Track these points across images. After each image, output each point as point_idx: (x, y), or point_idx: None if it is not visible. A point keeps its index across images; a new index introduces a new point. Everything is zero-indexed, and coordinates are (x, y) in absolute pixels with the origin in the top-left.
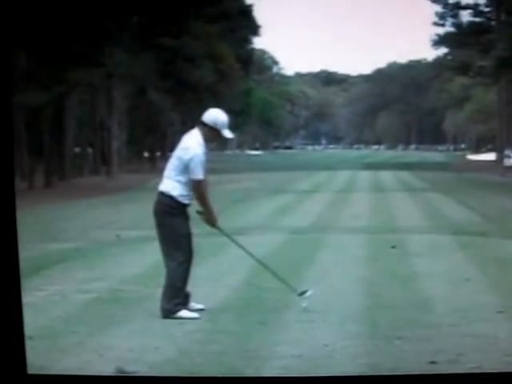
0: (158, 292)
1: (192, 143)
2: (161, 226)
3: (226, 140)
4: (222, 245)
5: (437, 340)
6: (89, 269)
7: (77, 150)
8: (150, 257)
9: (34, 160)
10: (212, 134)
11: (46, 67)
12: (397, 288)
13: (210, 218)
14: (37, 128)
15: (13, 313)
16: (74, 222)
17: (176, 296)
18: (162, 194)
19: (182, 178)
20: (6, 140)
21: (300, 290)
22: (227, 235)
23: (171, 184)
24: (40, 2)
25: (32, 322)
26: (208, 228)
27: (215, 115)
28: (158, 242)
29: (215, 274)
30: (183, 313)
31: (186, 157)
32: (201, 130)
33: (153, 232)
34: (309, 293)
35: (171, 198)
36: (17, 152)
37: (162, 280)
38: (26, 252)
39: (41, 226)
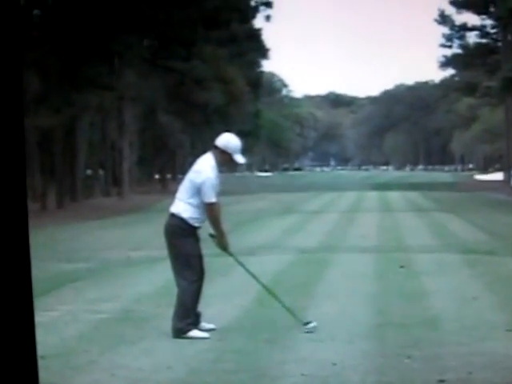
0: (169, 311)
1: (204, 166)
2: (172, 246)
3: (237, 163)
4: (232, 264)
5: (446, 358)
6: (100, 289)
7: (88, 171)
8: (161, 276)
9: (46, 181)
10: (224, 158)
11: (58, 90)
12: (405, 306)
13: (221, 242)
14: (49, 150)
15: (26, 332)
16: (85, 242)
17: (187, 316)
18: (173, 216)
19: (194, 201)
20: (19, 161)
21: (304, 321)
22: (237, 260)
23: (183, 206)
24: (52, 25)
25: (44, 341)
26: (216, 249)
27: (227, 139)
28: (170, 261)
29: (226, 293)
30: (194, 333)
31: (198, 180)
32: (213, 153)
33: (163, 252)
34: (312, 324)
35: (182, 219)
36: (29, 173)
37: (172, 299)
38: (38, 272)
39: (53, 246)
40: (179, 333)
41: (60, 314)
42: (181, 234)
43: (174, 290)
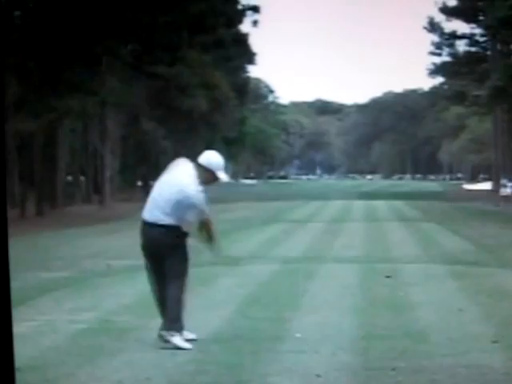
0: (150, 322)
1: (186, 182)
2: (168, 255)
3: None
4: (215, 275)
5: (431, 370)
6: (79, 298)
7: (69, 178)
8: (142, 286)
9: (25, 188)
10: (207, 176)
11: (38, 94)
12: (390, 318)
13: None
14: (28, 156)
15: (3, 344)
16: (65, 250)
17: (177, 321)
18: (167, 227)
19: (184, 215)
20: None
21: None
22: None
23: (174, 219)
24: (32, 28)
25: (21, 352)
26: (202, 257)
27: (209, 157)
28: (154, 271)
29: (208, 304)
30: (177, 340)
31: (187, 202)
32: (197, 170)
33: (142, 261)
34: (297, 335)
35: (176, 227)
36: (8, 180)
37: (154, 310)
38: (16, 281)
39: (31, 255)
40: (165, 339)
41: (38, 324)
42: (178, 243)
43: (154, 301)
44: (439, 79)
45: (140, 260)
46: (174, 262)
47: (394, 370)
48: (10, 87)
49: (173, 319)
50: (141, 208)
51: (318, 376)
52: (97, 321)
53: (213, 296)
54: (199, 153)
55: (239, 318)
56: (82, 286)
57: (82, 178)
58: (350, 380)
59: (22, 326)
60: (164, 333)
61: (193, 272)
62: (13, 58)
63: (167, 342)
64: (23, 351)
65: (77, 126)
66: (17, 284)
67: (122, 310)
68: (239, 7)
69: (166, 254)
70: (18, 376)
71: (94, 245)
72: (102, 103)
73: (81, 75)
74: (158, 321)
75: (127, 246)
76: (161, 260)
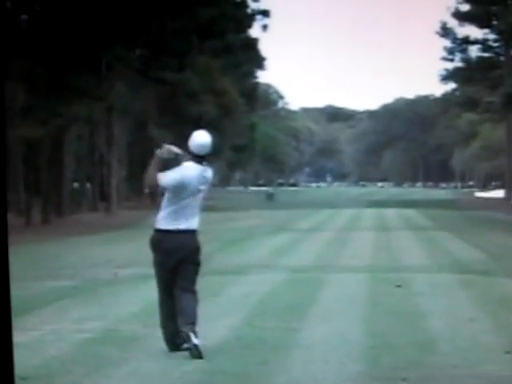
0: (156, 331)
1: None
2: (194, 263)
3: (229, 176)
4: (222, 284)
5: (441, 381)
6: (85, 307)
7: (75, 185)
8: (149, 295)
9: (30, 196)
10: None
11: (45, 100)
12: (400, 327)
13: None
14: (34, 163)
15: (3, 353)
16: (71, 259)
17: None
18: (193, 232)
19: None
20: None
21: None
22: None
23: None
24: (39, 32)
25: (26, 361)
26: (209, 266)
27: (192, 136)
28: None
29: (215, 313)
30: (197, 341)
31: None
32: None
33: (151, 270)
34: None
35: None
36: (13, 187)
37: (159, 320)
38: (22, 290)
39: (37, 263)
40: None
41: (43, 333)
42: (199, 249)
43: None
44: (451, 85)
45: (147, 268)
46: (198, 268)
47: (404, 380)
48: (16, 93)
49: (195, 324)
50: (147, 216)
51: None
52: (103, 330)
53: (220, 305)
54: (207, 159)
55: (246, 328)
56: (88, 294)
57: (88, 186)
58: None
59: (27, 335)
60: (189, 331)
61: (200, 281)
62: (19, 62)
63: (187, 338)
64: (28, 360)
65: (83, 133)
66: (22, 293)
67: (128, 318)
68: (249, 11)
69: (196, 258)
70: None
71: (100, 253)
72: (109, 109)
73: (88, 81)
74: None
75: (134, 254)
76: (191, 264)
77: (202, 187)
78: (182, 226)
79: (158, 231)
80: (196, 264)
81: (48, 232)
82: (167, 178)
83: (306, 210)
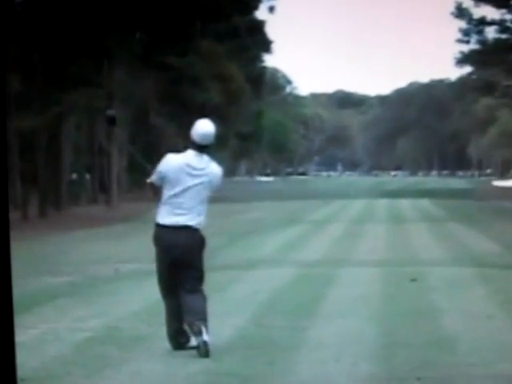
0: (159, 330)
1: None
2: (192, 264)
3: (236, 166)
4: (228, 280)
5: (458, 381)
6: (85, 305)
7: (74, 176)
8: (151, 292)
9: (27, 188)
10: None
11: (41, 89)
12: (414, 325)
13: None
14: (31, 154)
15: (5, 354)
16: (69, 254)
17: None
18: (196, 230)
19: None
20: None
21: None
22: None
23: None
24: (34, 16)
25: (24, 362)
26: (214, 262)
27: (194, 125)
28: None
29: (220, 311)
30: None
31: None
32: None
33: (154, 266)
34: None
35: (200, 231)
36: (9, 180)
37: (163, 318)
38: (18, 287)
39: (34, 260)
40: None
41: (41, 332)
42: (203, 249)
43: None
44: (467, 69)
45: (149, 264)
46: (202, 266)
47: (418, 379)
48: (10, 81)
49: (207, 320)
50: (149, 209)
51: None
52: (103, 329)
53: (226, 303)
54: (214, 146)
55: (253, 327)
56: (88, 292)
57: (88, 177)
58: None
59: (25, 334)
60: (202, 325)
61: (206, 277)
62: (13, 48)
63: (198, 332)
64: (26, 361)
65: (82, 122)
66: (19, 290)
67: (130, 317)
68: None
69: (198, 258)
70: None
71: (100, 248)
72: (109, 96)
73: (86, 67)
74: None
75: (136, 249)
76: (192, 264)
77: (198, 180)
78: (180, 221)
79: (158, 226)
80: (193, 266)
81: (46, 226)
82: (155, 172)
83: (316, 201)
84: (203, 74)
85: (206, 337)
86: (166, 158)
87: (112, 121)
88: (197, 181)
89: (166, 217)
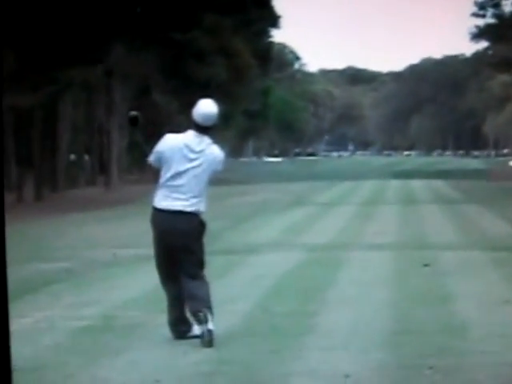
0: (158, 318)
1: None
2: (188, 250)
3: (242, 146)
4: (232, 264)
5: (472, 369)
6: (81, 292)
7: (72, 157)
8: (151, 279)
9: (22, 169)
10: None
11: (36, 65)
12: (426, 311)
13: None
14: (26, 134)
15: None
16: (66, 239)
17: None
18: (194, 215)
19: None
20: None
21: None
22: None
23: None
24: None
25: (17, 352)
26: (217, 245)
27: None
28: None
29: (224, 297)
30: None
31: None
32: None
33: (152, 250)
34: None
35: (200, 216)
36: (4, 160)
37: (162, 304)
38: (11, 274)
39: (29, 244)
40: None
41: (35, 320)
42: (202, 234)
43: (164, 294)
44: (483, 44)
45: (149, 249)
46: (202, 253)
47: (431, 368)
48: (4, 57)
49: (211, 308)
50: (150, 191)
51: (347, 376)
52: (100, 317)
53: (229, 288)
54: (217, 127)
55: (258, 313)
56: (85, 278)
57: (86, 157)
58: (382, 380)
59: (19, 323)
60: (207, 313)
61: (207, 261)
62: (8, 26)
63: (204, 320)
64: (20, 351)
65: (80, 100)
66: (12, 277)
67: (128, 304)
68: None
69: (197, 244)
70: (15, 377)
71: (98, 232)
72: (108, 73)
73: (83, 42)
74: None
75: (135, 233)
76: (190, 251)
77: (196, 162)
78: (177, 206)
79: (154, 209)
80: (192, 252)
81: (41, 209)
82: (153, 152)
83: (326, 182)
84: (207, 48)
85: (210, 325)
86: (165, 137)
87: (134, 121)
88: (195, 163)
89: (163, 200)
